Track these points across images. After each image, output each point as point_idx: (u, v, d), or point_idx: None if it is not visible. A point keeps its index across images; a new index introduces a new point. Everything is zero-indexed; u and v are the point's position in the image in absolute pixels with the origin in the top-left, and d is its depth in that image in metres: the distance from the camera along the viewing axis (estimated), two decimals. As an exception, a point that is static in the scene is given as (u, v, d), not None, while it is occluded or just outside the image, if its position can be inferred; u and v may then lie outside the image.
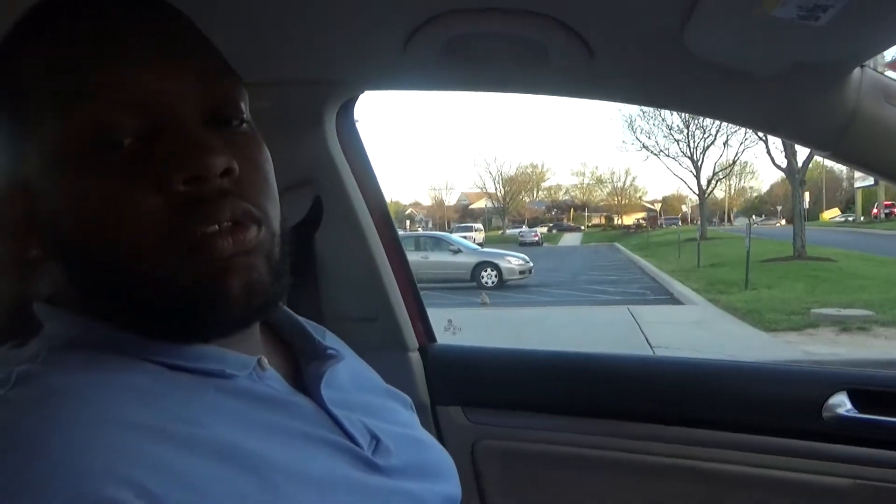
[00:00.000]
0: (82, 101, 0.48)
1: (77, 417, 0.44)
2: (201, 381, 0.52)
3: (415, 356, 1.32)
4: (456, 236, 19.85)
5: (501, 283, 14.82)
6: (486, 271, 15.15)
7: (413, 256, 15.92)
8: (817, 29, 0.72)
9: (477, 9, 0.83)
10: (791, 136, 0.97)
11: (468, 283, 14.83)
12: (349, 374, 0.67)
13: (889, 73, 0.92)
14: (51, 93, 0.49)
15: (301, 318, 0.69)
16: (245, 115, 0.56)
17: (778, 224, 45.74)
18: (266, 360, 0.58)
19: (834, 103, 0.88)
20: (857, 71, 0.88)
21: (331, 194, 1.20)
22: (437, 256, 15.68)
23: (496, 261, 15.40)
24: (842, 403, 1.11)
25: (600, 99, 1.01)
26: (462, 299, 12.05)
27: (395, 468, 0.59)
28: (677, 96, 1.02)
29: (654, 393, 1.22)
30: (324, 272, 1.25)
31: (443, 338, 1.39)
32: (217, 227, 0.49)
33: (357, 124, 1.26)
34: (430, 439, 0.71)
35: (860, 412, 1.10)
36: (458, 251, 15.95)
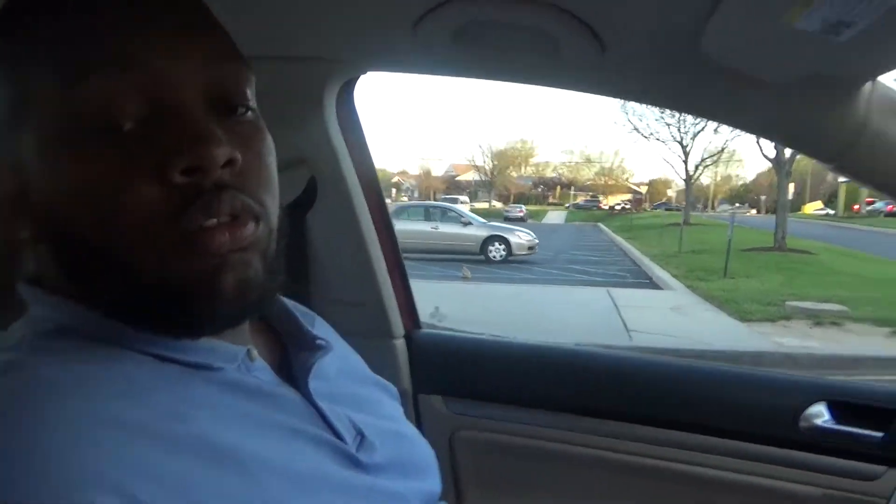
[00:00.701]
0: (85, 77, 0.46)
1: (62, 415, 0.42)
2: (189, 372, 0.51)
3: (399, 343, 1.31)
4: (464, 208, 19.75)
5: (508, 258, 14.84)
6: (494, 245, 15.13)
7: (423, 226, 15.75)
8: (837, 43, 0.70)
9: None
10: (797, 146, 0.96)
11: (476, 256, 14.83)
12: (337, 364, 0.66)
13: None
14: (51, 68, 0.47)
15: (290, 304, 0.68)
16: (250, 103, 0.54)
17: (748, 213, 46.05)
18: (255, 351, 0.57)
19: (843, 115, 0.87)
20: (868, 84, 0.87)
21: (326, 175, 1.18)
22: (447, 228, 15.64)
23: (506, 235, 15.40)
24: (820, 413, 1.11)
25: (610, 95, 1.00)
26: (442, 272, 12.05)
27: (378, 465, 0.59)
28: (687, 98, 1.00)
29: (636, 392, 1.22)
30: (314, 254, 1.23)
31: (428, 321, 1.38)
32: (215, 220, 0.47)
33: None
34: (413, 433, 0.71)
35: (837, 423, 1.10)
36: (468, 223, 15.88)
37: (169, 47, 0.48)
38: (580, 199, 58.40)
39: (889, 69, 0.83)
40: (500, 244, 15.13)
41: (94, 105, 0.46)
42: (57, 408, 0.43)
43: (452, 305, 7.54)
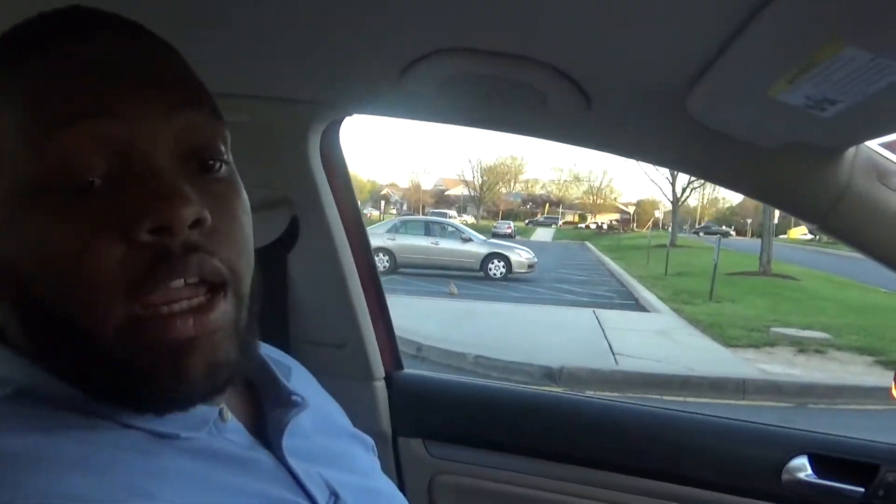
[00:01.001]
0: (52, 131, 0.44)
1: (17, 492, 0.40)
2: (157, 442, 0.49)
3: (380, 385, 1.29)
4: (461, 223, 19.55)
5: (508, 275, 14.75)
6: (493, 262, 15.02)
7: (423, 242, 15.64)
8: (821, 116, 0.70)
9: (479, 49, 0.80)
10: (782, 207, 0.96)
11: (476, 273, 14.73)
12: (312, 418, 0.65)
13: (883, 151, 0.91)
14: (19, 124, 0.46)
15: (266, 352, 0.66)
16: (225, 157, 0.52)
17: (731, 237, 46.29)
18: (227, 412, 0.55)
19: (827, 179, 0.88)
20: (851, 148, 0.87)
21: (308, 214, 1.16)
22: (447, 244, 15.50)
23: (506, 253, 15.27)
24: (802, 467, 1.11)
25: (596, 149, 0.99)
26: (431, 288, 12.03)
27: None
28: (673, 156, 1.00)
29: (620, 441, 1.21)
30: (294, 294, 1.21)
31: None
32: (182, 280, 0.46)
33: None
34: (389, 488, 0.70)
35: (819, 477, 1.10)
36: (468, 240, 15.73)
37: (137, 98, 0.47)
38: (539, 216, 58.86)
39: (872, 137, 0.83)
40: (500, 262, 15.03)
41: (59, 159, 0.44)
42: (17, 486, 0.41)
43: (437, 324, 7.52)
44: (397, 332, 1.34)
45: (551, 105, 0.89)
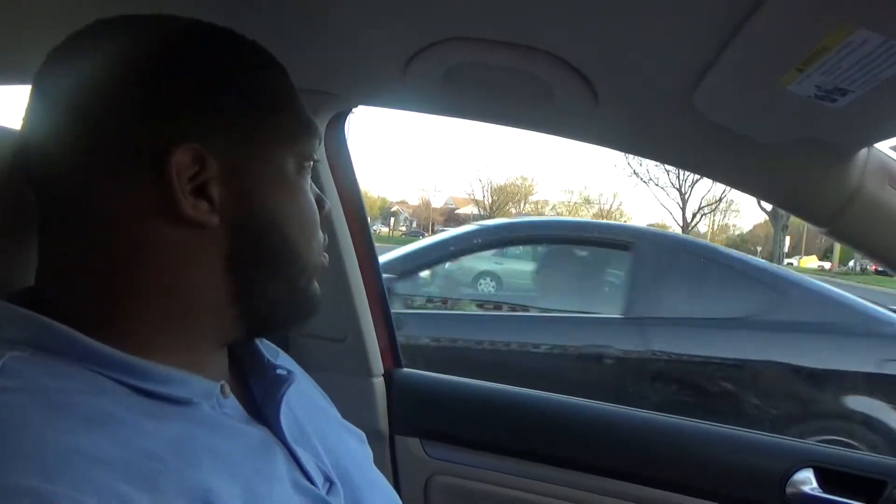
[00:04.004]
0: (311, 125, 0.60)
1: (45, 445, 0.40)
2: (165, 408, 0.49)
3: (378, 382, 1.28)
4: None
5: None
6: None
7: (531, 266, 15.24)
8: (832, 109, 0.69)
9: (483, 39, 0.80)
10: (790, 209, 0.94)
11: None
12: (301, 399, 0.65)
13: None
14: (298, 116, 0.59)
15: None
16: None
17: None
18: (227, 388, 0.56)
19: (836, 181, 0.86)
20: (863, 150, 0.85)
21: None
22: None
23: None
24: (807, 480, 1.09)
25: (602, 145, 0.98)
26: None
27: None
28: (680, 153, 0.99)
29: (619, 447, 1.19)
30: None
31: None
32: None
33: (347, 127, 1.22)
34: (381, 481, 0.69)
35: (824, 491, 1.07)
36: None
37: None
38: None
39: (885, 137, 0.82)
40: None
41: (313, 151, 0.60)
42: (40, 440, 0.41)
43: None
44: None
45: (558, 99, 0.88)
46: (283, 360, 0.68)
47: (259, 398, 0.61)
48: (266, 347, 0.66)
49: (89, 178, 0.50)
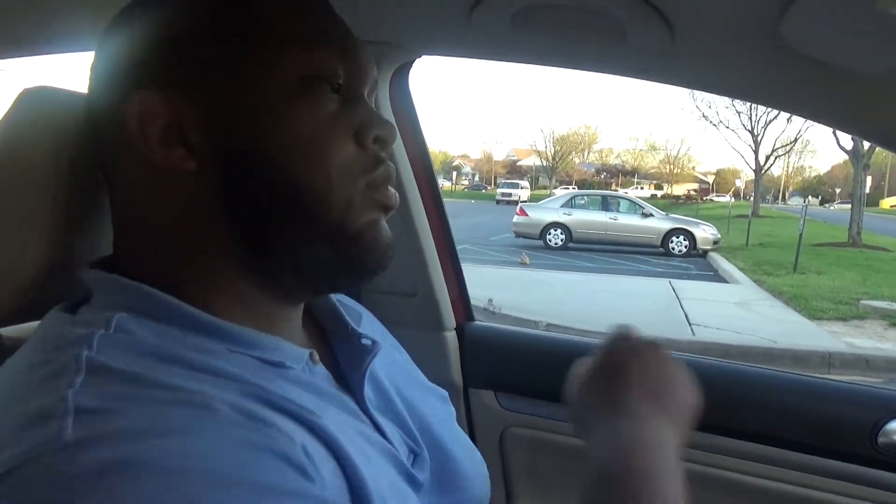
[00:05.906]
0: (317, 42, 0.52)
1: (200, 416, 0.41)
2: (263, 367, 0.50)
3: (451, 336, 1.28)
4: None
5: (691, 252, 14.09)
6: (676, 238, 14.39)
7: (600, 217, 15.02)
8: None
9: None
10: (882, 143, 0.88)
11: (656, 250, 14.20)
12: (386, 367, 0.65)
13: None
14: (283, 32, 0.51)
15: (338, 298, 0.66)
16: None
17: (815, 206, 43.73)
18: (317, 355, 0.56)
19: None
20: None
21: None
22: (626, 219, 15.02)
23: (690, 228, 14.57)
24: None
25: (678, 85, 0.93)
26: (503, 258, 12.00)
27: (428, 483, 0.58)
28: (763, 90, 0.93)
29: (703, 399, 1.16)
30: None
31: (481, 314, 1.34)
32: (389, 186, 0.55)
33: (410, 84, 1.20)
34: (463, 439, 0.69)
35: None
36: (649, 215, 15.11)
37: (355, 40, 0.56)
38: (614, 187, 56.88)
39: None
40: (683, 237, 14.30)
41: (321, 67, 0.51)
42: (193, 413, 0.41)
43: (509, 293, 7.48)
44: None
45: (631, 37, 0.83)
46: (367, 323, 0.68)
47: (343, 364, 0.60)
48: (349, 310, 0.65)
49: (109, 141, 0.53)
